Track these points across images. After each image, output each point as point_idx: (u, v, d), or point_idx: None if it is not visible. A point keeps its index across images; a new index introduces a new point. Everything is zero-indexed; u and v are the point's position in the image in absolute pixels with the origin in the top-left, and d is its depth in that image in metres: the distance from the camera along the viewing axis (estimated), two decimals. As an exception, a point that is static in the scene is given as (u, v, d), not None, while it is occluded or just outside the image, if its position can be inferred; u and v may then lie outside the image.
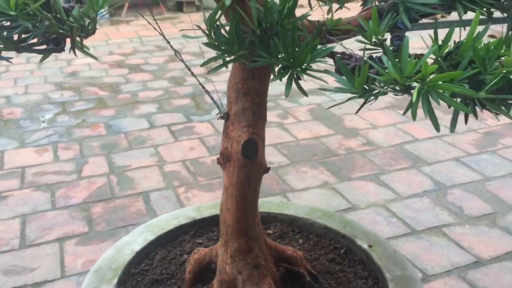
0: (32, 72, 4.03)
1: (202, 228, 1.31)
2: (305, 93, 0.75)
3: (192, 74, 0.93)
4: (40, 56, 0.74)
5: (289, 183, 2.38)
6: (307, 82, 0.78)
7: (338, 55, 0.74)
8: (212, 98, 0.94)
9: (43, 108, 3.31)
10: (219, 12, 0.70)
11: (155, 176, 2.46)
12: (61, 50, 0.74)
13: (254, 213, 1.00)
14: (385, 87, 0.60)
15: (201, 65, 0.73)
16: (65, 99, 3.48)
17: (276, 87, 3.45)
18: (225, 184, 0.99)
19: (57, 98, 3.50)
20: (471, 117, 0.69)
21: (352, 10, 0.88)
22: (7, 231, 2.03)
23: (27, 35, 0.70)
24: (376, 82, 0.63)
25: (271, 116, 3.14)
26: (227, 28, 0.71)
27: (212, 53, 0.73)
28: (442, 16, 3.75)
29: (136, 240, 1.22)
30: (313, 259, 1.18)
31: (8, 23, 0.69)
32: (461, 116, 0.69)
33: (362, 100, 0.66)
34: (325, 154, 2.67)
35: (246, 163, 0.94)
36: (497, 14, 0.82)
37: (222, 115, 0.95)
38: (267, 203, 1.36)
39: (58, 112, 3.25)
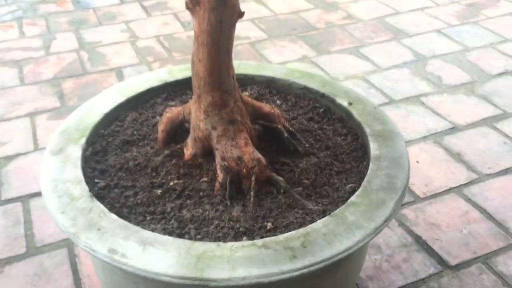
0: None
1: (175, 91, 1.22)
2: None
3: None
4: None
5: (267, 57, 2.27)
6: None
7: None
8: None
9: (4, -17, 3.04)
10: None
11: (127, 52, 2.32)
12: None
13: (228, 64, 0.91)
14: None
15: None
16: (28, -26, 3.20)
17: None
18: (195, 31, 0.88)
19: (19, -27, 3.21)
20: None
21: None
22: (-25, 107, 1.93)
23: None
24: None
25: (248, -10, 2.95)
26: None
27: None
28: None
29: (104, 101, 1.13)
30: (291, 119, 1.12)
31: None
32: None
33: None
34: (304, 28, 2.53)
35: (217, 4, 0.83)
36: None
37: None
38: (244, 65, 1.27)
39: (21, -13, 2.99)
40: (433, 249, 1.36)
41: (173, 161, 0.99)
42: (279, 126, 1.01)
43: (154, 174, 0.97)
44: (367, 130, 1.03)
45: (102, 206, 0.85)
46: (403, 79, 2.09)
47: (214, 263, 0.75)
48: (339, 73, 2.13)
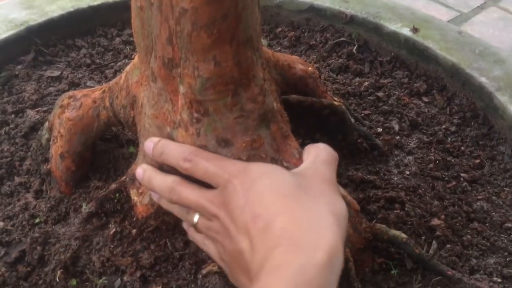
0: None
1: (53, 38, 0.57)
2: None
3: None
4: None
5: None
6: None
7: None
8: None
9: None
10: None
11: None
12: None
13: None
14: None
15: None
16: None
17: None
18: None
19: None
20: None
21: None
22: None
23: None
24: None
25: None
26: None
27: None
28: None
29: None
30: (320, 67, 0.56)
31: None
32: None
33: None
34: None
35: None
36: None
37: None
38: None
39: None
40: None
41: (112, 229, 0.38)
42: (341, 106, 0.45)
43: None
44: (482, 79, 0.52)
45: None
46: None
47: None
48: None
